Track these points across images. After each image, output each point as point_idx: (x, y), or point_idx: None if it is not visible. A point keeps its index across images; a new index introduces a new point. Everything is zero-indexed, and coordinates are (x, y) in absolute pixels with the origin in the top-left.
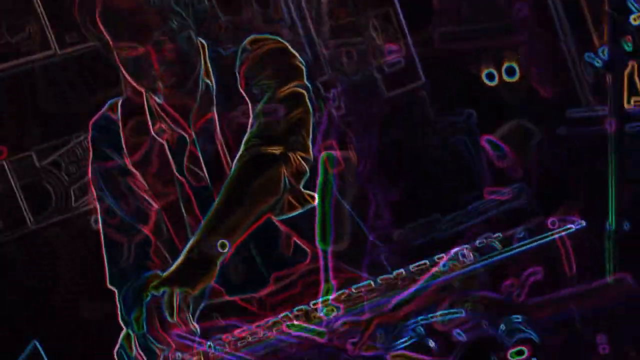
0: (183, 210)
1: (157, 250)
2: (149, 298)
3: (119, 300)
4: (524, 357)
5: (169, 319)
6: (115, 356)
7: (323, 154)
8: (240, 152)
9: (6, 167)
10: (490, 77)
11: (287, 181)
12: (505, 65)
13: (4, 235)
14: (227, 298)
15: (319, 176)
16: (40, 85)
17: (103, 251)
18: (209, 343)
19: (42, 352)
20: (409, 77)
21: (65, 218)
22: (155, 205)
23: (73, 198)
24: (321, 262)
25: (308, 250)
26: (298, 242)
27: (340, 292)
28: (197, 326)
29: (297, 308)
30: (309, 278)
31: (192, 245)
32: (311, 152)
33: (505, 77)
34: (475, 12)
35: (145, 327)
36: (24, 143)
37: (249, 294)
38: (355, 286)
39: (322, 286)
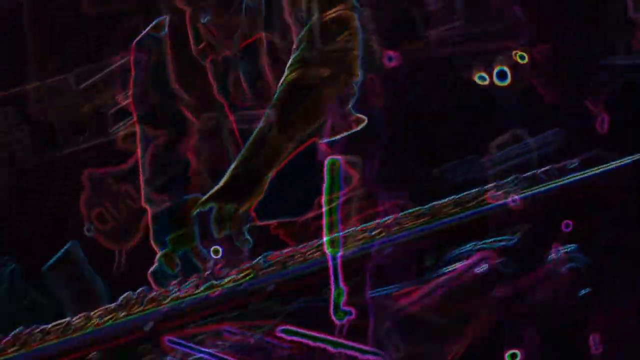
0: (223, 131)
1: (196, 170)
2: (196, 213)
3: (152, 219)
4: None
5: (215, 234)
6: (150, 276)
7: (328, 159)
8: (285, 75)
9: (42, 89)
10: (481, 80)
11: (332, 104)
12: (497, 69)
13: (39, 157)
14: (259, 223)
15: (325, 181)
16: (82, 6)
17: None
18: (259, 258)
19: (78, 251)
20: (447, 17)
21: (100, 143)
22: (197, 125)
23: (110, 122)
24: (330, 268)
25: (354, 175)
26: (346, 167)
27: (387, 217)
28: (250, 239)
29: (345, 231)
30: (354, 203)
31: (239, 162)
32: (358, 74)
33: (496, 81)
34: (472, 13)
35: (196, 240)
36: (63, 65)
37: (291, 217)
38: (403, 212)
39: (333, 291)
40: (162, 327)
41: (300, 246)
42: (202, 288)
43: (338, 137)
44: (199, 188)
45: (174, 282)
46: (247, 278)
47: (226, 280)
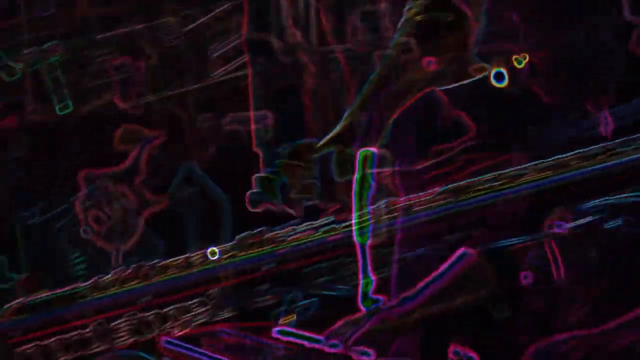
0: (337, 75)
1: (310, 113)
2: (318, 157)
3: (264, 162)
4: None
5: (337, 178)
6: (247, 197)
7: (361, 152)
8: (404, 16)
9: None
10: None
11: (454, 49)
12: (494, 71)
13: (142, 98)
14: (372, 170)
15: (356, 173)
16: None
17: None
18: (379, 204)
19: (196, 168)
20: None
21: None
22: (313, 69)
23: (213, 65)
24: (359, 257)
25: (471, 125)
26: (461, 116)
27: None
28: (372, 183)
29: (445, 187)
30: (468, 155)
31: (359, 106)
32: (482, 20)
33: (494, 82)
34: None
35: (308, 178)
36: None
37: (406, 166)
38: (526, 165)
39: (361, 281)
40: (282, 268)
41: (421, 193)
42: (320, 231)
43: (457, 84)
44: (313, 131)
45: (293, 222)
46: (368, 223)
47: (346, 224)
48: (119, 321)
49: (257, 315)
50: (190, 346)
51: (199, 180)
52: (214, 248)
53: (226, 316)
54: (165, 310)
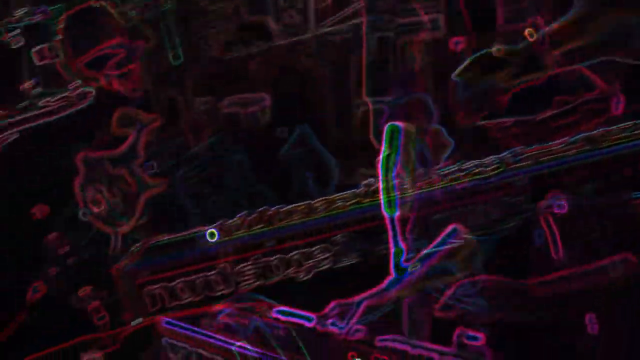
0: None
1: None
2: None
3: (373, 115)
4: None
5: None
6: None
7: (388, 125)
8: None
9: None
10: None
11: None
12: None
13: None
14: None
15: (383, 147)
16: None
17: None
18: (507, 152)
19: (307, 131)
20: None
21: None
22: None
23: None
24: (389, 229)
25: (598, 82)
26: (586, 72)
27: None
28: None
29: (577, 137)
30: (591, 106)
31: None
32: None
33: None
34: None
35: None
36: None
37: (526, 116)
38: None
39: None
40: (407, 215)
41: (549, 143)
42: (447, 179)
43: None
44: (423, 86)
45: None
46: (496, 172)
47: (473, 172)
48: (243, 265)
49: (380, 261)
50: (190, 326)
51: (311, 142)
52: (213, 230)
53: (349, 262)
54: (289, 255)
